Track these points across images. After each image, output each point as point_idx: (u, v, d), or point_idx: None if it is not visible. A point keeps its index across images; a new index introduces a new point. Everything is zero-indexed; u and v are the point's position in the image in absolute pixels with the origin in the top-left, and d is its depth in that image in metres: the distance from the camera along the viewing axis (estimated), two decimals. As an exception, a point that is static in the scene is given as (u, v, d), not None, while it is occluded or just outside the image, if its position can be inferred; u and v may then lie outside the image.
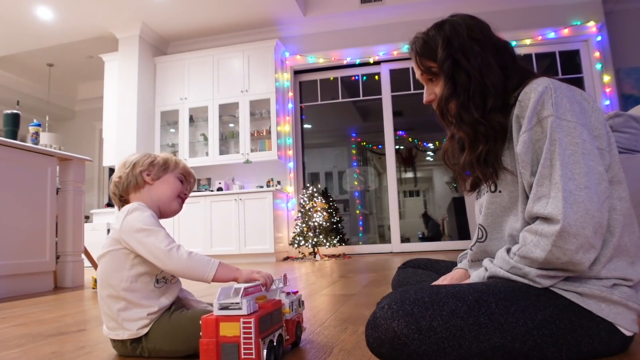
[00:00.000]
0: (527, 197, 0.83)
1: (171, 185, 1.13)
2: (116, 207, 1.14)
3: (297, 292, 1.06)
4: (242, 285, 0.83)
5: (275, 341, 0.86)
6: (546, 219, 0.76)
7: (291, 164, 5.78)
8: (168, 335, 0.97)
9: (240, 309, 0.80)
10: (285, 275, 1.07)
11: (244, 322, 0.78)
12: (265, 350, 0.80)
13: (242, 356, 0.78)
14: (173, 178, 1.14)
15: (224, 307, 0.81)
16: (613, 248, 0.79)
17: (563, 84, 0.84)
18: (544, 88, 0.81)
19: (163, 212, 1.13)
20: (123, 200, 1.13)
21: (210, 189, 5.70)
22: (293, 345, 1.02)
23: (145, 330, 0.99)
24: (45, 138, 3.31)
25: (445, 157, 1.07)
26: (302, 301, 1.08)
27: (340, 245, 5.40)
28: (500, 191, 0.90)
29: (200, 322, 0.82)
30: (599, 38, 5.25)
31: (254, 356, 0.77)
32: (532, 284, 0.79)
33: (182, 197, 1.16)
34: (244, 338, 0.78)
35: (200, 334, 0.81)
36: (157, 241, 0.96)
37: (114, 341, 1.03)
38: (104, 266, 1.03)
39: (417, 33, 1.00)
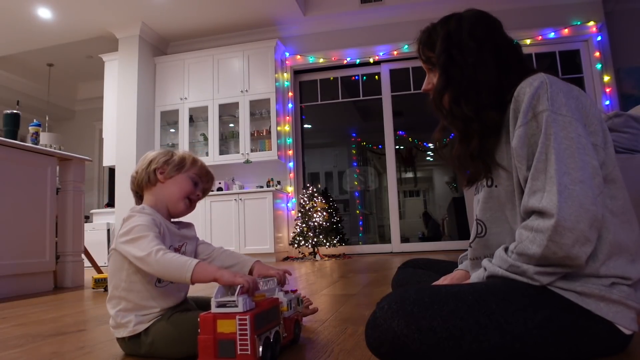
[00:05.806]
0: (523, 192, 0.83)
1: (181, 186, 1.12)
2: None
3: (296, 290, 1.07)
4: (239, 285, 0.85)
5: (272, 338, 0.88)
6: (541, 214, 0.76)
7: (291, 164, 5.78)
8: (164, 335, 0.97)
9: (236, 306, 0.82)
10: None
11: (240, 319, 0.80)
12: (261, 347, 0.82)
13: (239, 352, 0.80)
14: (185, 178, 1.13)
15: (221, 305, 0.84)
16: (610, 244, 0.79)
17: (559, 80, 0.84)
18: (539, 83, 0.82)
19: (171, 212, 1.12)
20: (139, 196, 1.14)
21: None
22: (292, 342, 1.02)
23: (144, 326, 0.99)
24: (45, 138, 3.31)
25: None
26: (302, 300, 1.08)
27: (340, 245, 5.39)
28: (496, 186, 0.91)
29: (199, 319, 0.83)
30: (599, 38, 5.24)
31: (249, 352, 0.80)
32: (530, 281, 0.79)
33: (191, 199, 1.14)
34: (240, 334, 0.80)
35: (199, 330, 0.83)
36: (134, 249, 0.95)
37: (117, 338, 1.04)
38: (110, 266, 1.05)
39: (429, 24, 1.02)
